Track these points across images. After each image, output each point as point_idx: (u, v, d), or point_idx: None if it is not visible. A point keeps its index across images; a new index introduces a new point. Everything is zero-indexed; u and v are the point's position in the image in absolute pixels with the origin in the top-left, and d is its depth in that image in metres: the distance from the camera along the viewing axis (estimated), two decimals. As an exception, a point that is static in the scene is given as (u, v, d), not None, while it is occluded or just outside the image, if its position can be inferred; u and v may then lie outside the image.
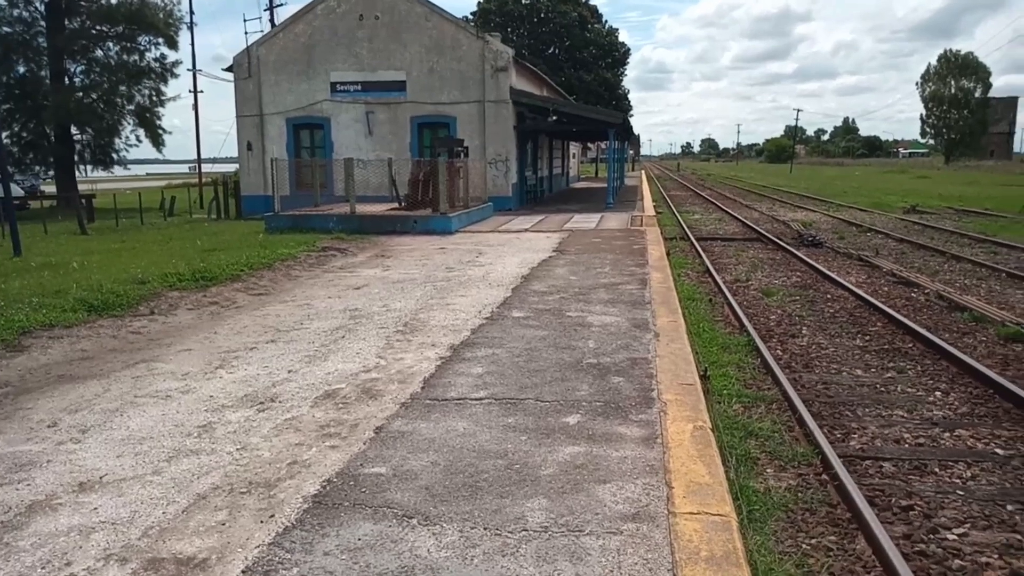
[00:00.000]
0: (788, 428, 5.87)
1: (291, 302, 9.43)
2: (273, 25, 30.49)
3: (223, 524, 3.54)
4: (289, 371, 6.20)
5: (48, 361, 6.93)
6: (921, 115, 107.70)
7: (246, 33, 32.52)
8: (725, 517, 3.49)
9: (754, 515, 4.24)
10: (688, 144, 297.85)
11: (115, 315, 8.62)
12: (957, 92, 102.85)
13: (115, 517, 3.66)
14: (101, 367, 6.64)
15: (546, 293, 9.41)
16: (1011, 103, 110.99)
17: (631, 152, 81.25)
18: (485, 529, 3.41)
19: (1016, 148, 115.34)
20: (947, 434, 5.80)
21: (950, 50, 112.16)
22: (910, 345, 8.43)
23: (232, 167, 29.56)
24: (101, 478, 4.15)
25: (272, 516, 3.60)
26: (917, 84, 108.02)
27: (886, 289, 11.93)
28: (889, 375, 7.40)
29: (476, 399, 5.21)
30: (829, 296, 11.36)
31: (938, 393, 6.79)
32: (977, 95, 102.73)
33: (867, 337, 8.87)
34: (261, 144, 24.53)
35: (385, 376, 5.87)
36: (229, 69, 24.90)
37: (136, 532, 3.50)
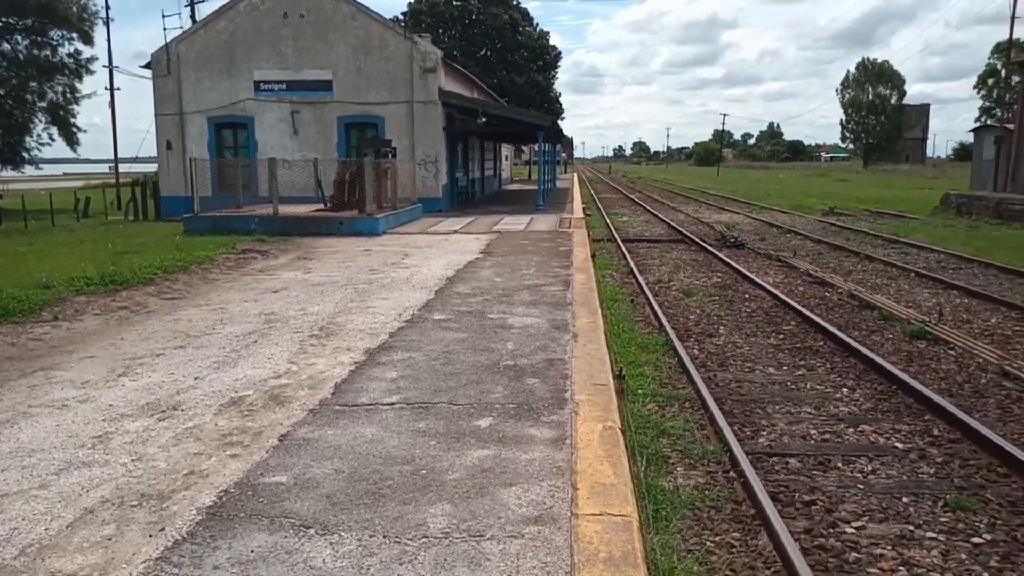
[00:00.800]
0: (700, 426, 5.96)
1: (205, 306, 9.13)
2: (194, 21, 29.57)
3: (109, 539, 3.37)
4: (196, 378, 5.99)
5: (-65, 371, 6.52)
6: (841, 120, 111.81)
7: (164, 29, 31.64)
8: (627, 517, 3.50)
9: (660, 514, 4.28)
10: (620, 147, 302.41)
11: (15, 321, 8.19)
12: (874, 99, 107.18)
13: (-10, 536, 3.44)
14: (-6, 376, 6.28)
15: (469, 295, 9.36)
16: (924, 110, 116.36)
17: (563, 155, 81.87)
18: (384, 537, 3.33)
19: (929, 153, 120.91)
20: (851, 430, 5.99)
21: (867, 58, 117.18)
22: (821, 343, 8.69)
23: (153, 167, 28.56)
24: (-20, 495, 3.91)
25: (162, 529, 3.45)
26: (837, 91, 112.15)
27: (801, 289, 12.30)
28: (800, 373, 7.60)
29: (388, 404, 5.12)
30: (747, 296, 11.64)
31: (845, 390, 7.01)
32: (893, 102, 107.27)
33: (781, 336, 9.11)
34: (182, 143, 23.78)
35: (295, 382, 5.72)
36: (148, 66, 24.06)
37: (12, 551, 3.30)
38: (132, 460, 4.34)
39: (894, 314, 10.04)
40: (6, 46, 30.07)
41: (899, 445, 5.66)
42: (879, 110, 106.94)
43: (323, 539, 3.32)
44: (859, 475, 5.18)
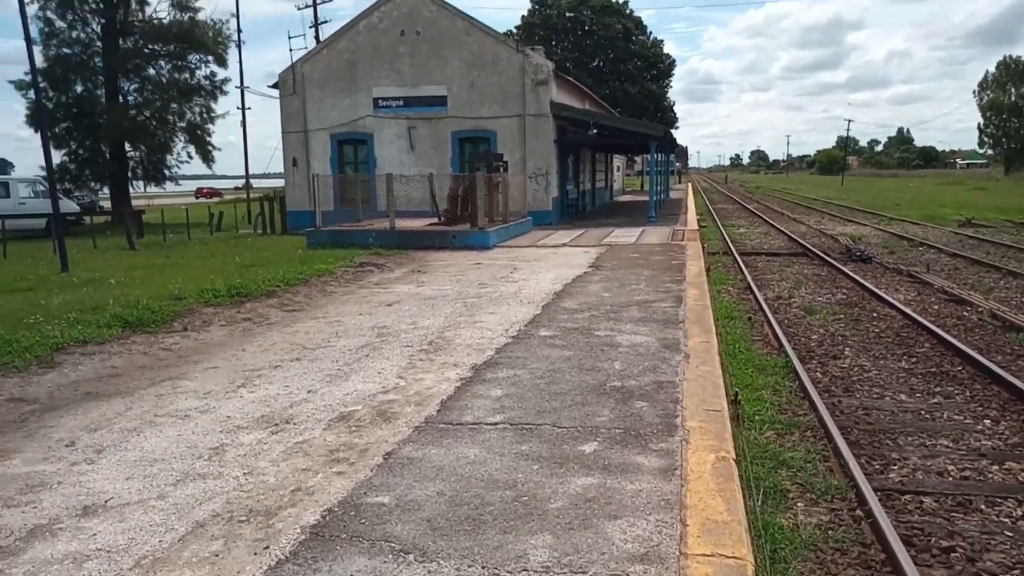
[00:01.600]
0: (823, 458, 5.58)
1: (322, 319, 9.42)
2: (318, 42, 30.95)
3: (216, 555, 3.45)
4: (309, 391, 6.14)
5: (77, 378, 6.99)
6: (979, 124, 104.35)
7: (291, 50, 33.31)
8: (740, 560, 3.27)
9: (778, 555, 3.99)
10: (737, 156, 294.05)
11: (148, 331, 8.70)
12: (1018, 100, 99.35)
13: (112, 544, 3.59)
14: (127, 384, 6.67)
15: (576, 311, 9.22)
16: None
17: (678, 164, 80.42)
18: (483, 568, 3.24)
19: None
20: (996, 467, 5.44)
21: (1010, 56, 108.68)
22: (959, 368, 8.01)
23: (281, 182, 30.09)
24: (106, 502, 4.10)
25: (267, 548, 3.49)
26: (974, 93, 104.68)
27: (936, 307, 11.44)
28: (935, 401, 7.02)
29: (491, 424, 5.05)
30: (875, 315, 10.93)
31: (987, 421, 6.41)
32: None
33: (913, 359, 8.47)
34: (306, 160, 24.87)
35: (403, 398, 5.75)
36: (275, 86, 25.33)
37: (129, 562, 3.42)
38: (244, 474, 4.45)
39: (1045, 337, 9.16)
40: (151, 71, 32.51)
41: (1054, 487, 5.09)
42: (1023, 112, 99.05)
43: (421, 566, 3.27)
44: (1006, 520, 4.68)
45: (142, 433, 5.28)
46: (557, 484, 4.08)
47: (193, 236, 24.76)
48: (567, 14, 60.48)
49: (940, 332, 9.25)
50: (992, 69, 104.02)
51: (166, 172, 34.22)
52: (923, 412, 6.69)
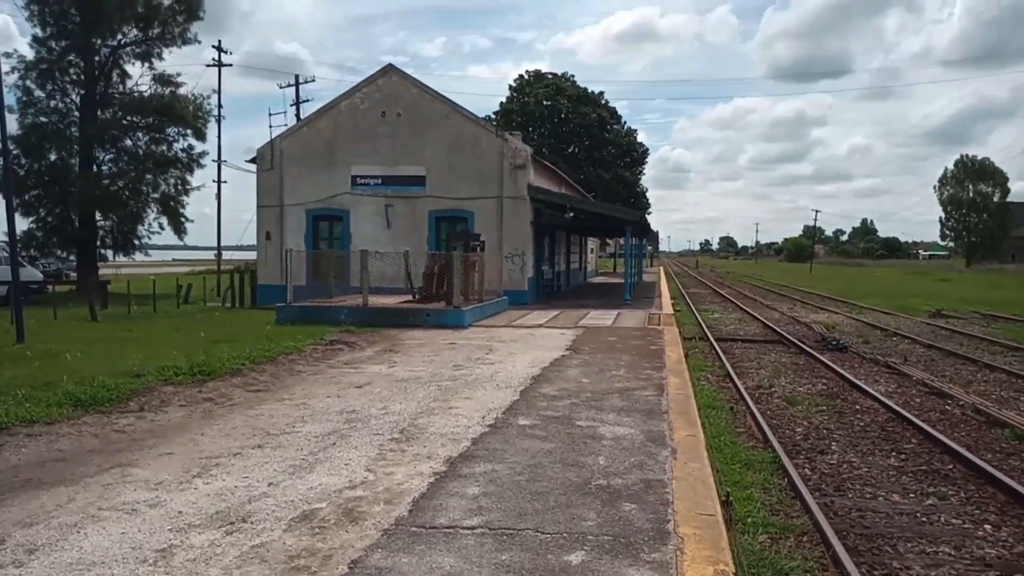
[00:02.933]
0: (822, 567, 5.21)
1: (288, 401, 8.96)
2: (298, 120, 31.20)
3: None
4: (270, 484, 5.68)
5: (19, 462, 6.47)
6: (940, 218, 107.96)
7: (270, 127, 33.47)
8: None
9: None
10: (707, 241, 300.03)
11: (102, 411, 8.19)
12: (975, 196, 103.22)
13: (29, 674, 3.10)
14: (73, 471, 6.16)
15: (556, 398, 8.88)
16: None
17: (650, 248, 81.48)
18: None
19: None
20: (1004, 580, 5.11)
21: (966, 155, 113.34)
22: (950, 466, 7.75)
23: (254, 255, 29.73)
24: (30, 617, 3.61)
25: None
26: (935, 188, 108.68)
27: (918, 400, 11.26)
28: (930, 502, 6.72)
29: (468, 528, 4.64)
30: (858, 407, 10.70)
31: (988, 526, 6.11)
32: (996, 199, 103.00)
33: (902, 456, 8.20)
34: (280, 234, 24.63)
35: (371, 494, 5.32)
36: (253, 160, 25.29)
37: None
38: (192, 582, 3.99)
39: (1032, 434, 8.96)
40: (128, 142, 32.37)
41: (1068, 605, 4.77)
42: (981, 208, 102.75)
43: None
44: (1024, 643, 4.33)
45: (83, 530, 4.78)
46: (543, 602, 3.68)
47: (159, 308, 24.14)
48: (544, 102, 62.08)
49: (927, 427, 9.03)
50: (951, 166, 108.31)
51: (136, 242, 33.66)
52: (919, 515, 6.37)
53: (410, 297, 19.22)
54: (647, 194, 71.56)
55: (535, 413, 8.01)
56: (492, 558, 4.20)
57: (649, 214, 67.28)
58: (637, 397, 8.98)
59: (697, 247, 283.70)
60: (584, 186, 48.37)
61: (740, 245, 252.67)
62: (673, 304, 25.94)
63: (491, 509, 4.98)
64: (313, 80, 76.38)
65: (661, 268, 70.95)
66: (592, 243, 52.83)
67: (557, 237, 31.07)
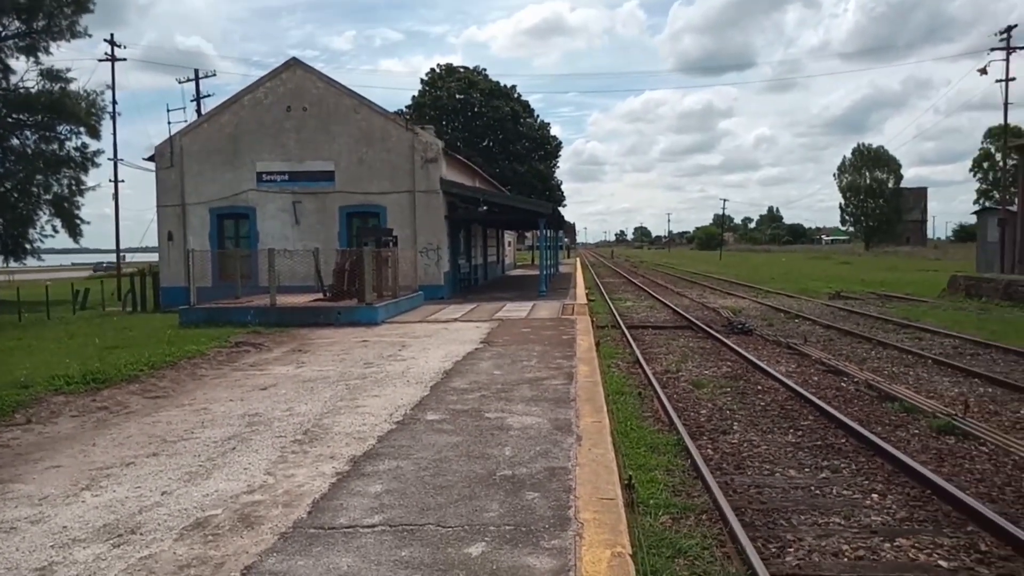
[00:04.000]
0: (720, 543, 5.37)
1: (188, 406, 8.63)
2: (199, 116, 30.06)
3: None
4: (163, 493, 5.45)
5: None
6: (840, 204, 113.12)
7: (169, 123, 31.91)
8: None
9: (680, 663, 3.67)
10: (622, 232, 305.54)
11: (-16, 425, 7.70)
12: (872, 183, 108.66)
13: None
14: (-53, 491, 5.76)
15: (467, 391, 8.85)
16: (922, 192, 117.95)
17: (566, 240, 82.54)
18: None
19: (929, 234, 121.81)
20: (887, 544, 5.38)
21: (862, 144, 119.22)
22: (843, 441, 8.12)
23: (156, 257, 28.50)
24: None
25: None
26: (835, 175, 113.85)
27: (816, 379, 11.76)
28: (824, 475, 7.02)
29: (368, 526, 4.57)
30: (760, 387, 11.09)
31: (875, 496, 6.42)
32: (890, 185, 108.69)
33: (800, 432, 8.54)
34: (183, 234, 23.73)
35: (270, 498, 5.17)
36: (151, 159, 24.26)
37: None
38: (72, 600, 3.78)
39: (917, 406, 9.48)
40: (15, 141, 30.52)
41: (944, 564, 5.05)
42: (877, 194, 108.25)
43: None
44: (903, 603, 4.56)
45: (-48, 554, 4.47)
46: (439, 596, 3.65)
47: (54, 315, 22.92)
48: (457, 96, 61.86)
49: (822, 404, 9.43)
50: (848, 155, 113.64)
51: (28, 246, 31.82)
52: (813, 488, 6.64)
53: (321, 295, 18.84)
54: (562, 187, 72.31)
55: (444, 408, 7.97)
56: (391, 555, 4.14)
57: (564, 206, 68.09)
58: (547, 386, 9.05)
59: (613, 238, 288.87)
60: (499, 179, 48.46)
61: (654, 235, 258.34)
62: (588, 294, 26.30)
63: (393, 506, 4.91)
64: (215, 74, 73.57)
65: (578, 259, 71.85)
66: (509, 236, 53.03)
67: (473, 231, 31.03)
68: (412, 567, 3.99)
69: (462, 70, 64.25)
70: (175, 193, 23.67)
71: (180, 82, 36.80)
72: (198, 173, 23.59)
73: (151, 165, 24.40)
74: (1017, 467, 7.17)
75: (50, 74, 30.54)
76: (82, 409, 8.64)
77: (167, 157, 23.67)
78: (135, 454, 6.60)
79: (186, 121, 30.76)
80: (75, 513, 5.12)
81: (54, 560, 4.32)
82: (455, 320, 17.27)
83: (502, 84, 64.47)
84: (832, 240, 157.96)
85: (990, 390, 10.74)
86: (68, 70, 33.96)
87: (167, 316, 19.58)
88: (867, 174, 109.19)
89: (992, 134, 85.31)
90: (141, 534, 4.66)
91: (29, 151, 30.75)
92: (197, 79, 36.91)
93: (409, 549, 4.22)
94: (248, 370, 11.04)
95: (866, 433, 8.00)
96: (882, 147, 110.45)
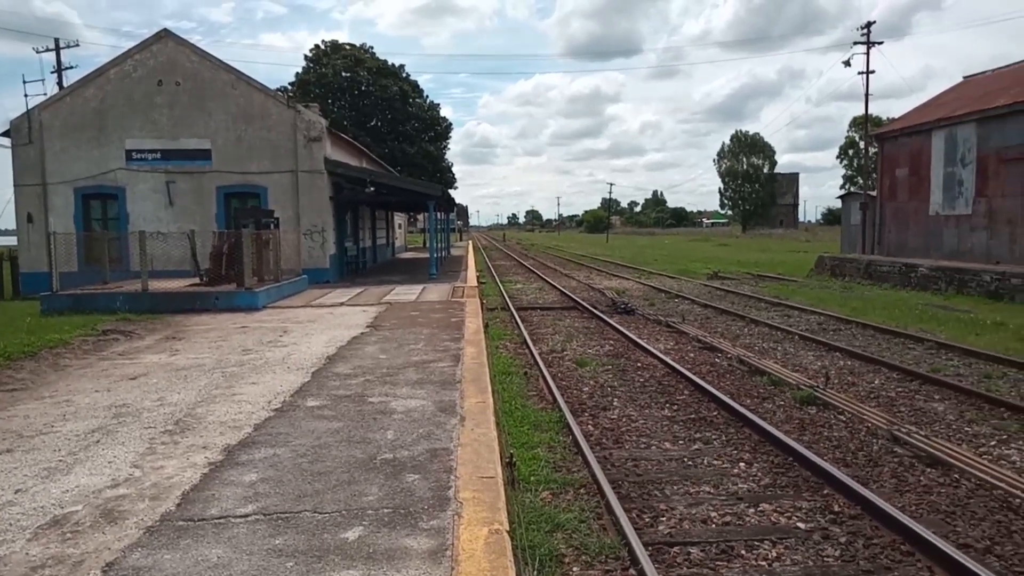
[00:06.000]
0: (597, 516, 5.54)
1: (49, 399, 8.09)
2: (61, 89, 27.99)
3: None
4: (17, 491, 5.09)
5: None
6: (719, 188, 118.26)
7: (26, 96, 29.42)
8: (513, 652, 2.99)
9: (554, 633, 3.77)
10: (514, 215, 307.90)
11: None
12: (748, 168, 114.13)
13: None
14: None
15: (350, 376, 8.72)
16: (794, 178, 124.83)
17: (458, 223, 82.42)
18: None
19: (800, 217, 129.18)
20: (752, 510, 5.71)
21: (740, 131, 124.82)
22: (715, 413, 8.53)
23: (14, 240, 26.42)
24: None
25: None
26: (714, 160, 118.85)
27: (692, 355, 12.28)
28: (696, 447, 7.36)
29: (241, 516, 4.43)
30: (640, 364, 11.48)
31: (742, 464, 6.79)
32: (765, 171, 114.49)
33: (675, 407, 8.91)
34: (44, 216, 22.12)
35: (135, 492, 4.93)
36: (7, 134, 22.43)
37: None
38: (-94, 611, 3.49)
39: (783, 379, 10.07)
40: None
41: (801, 525, 5.41)
42: (753, 179, 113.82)
43: None
44: (763, 563, 4.86)
45: None
46: (313, 583, 3.59)
47: None
48: (343, 74, 60.34)
49: (696, 379, 9.87)
50: (727, 141, 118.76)
51: None
52: (686, 459, 6.96)
53: (197, 280, 18.03)
54: (453, 169, 72.00)
55: (326, 393, 7.82)
56: (264, 544, 4.04)
57: (456, 189, 67.93)
58: (432, 369, 9.03)
59: (505, 221, 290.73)
60: (388, 160, 47.76)
61: (545, 218, 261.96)
62: (478, 276, 26.39)
63: (268, 495, 4.79)
64: (77, 44, 68.22)
65: (470, 242, 71.90)
66: (400, 218, 52.40)
67: (361, 212, 30.46)
68: (286, 555, 3.90)
69: (348, 47, 62.69)
70: (35, 172, 22.00)
71: (38, 51, 34.20)
72: (61, 150, 22.00)
73: (6, 141, 22.56)
74: (870, 433, 7.74)
75: None
76: (-75, 405, 7.94)
77: (24, 133, 21.95)
78: (-14, 451, 6.13)
79: (45, 94, 28.65)
80: (-87, 517, 4.71)
81: None
82: (341, 304, 16.94)
83: (390, 63, 63.38)
84: (712, 223, 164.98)
85: (849, 363, 11.54)
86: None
87: (27, 303, 18.24)
88: (744, 160, 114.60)
89: (856, 123, 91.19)
90: (-11, 536, 4.34)
91: None
92: (58, 49, 34.40)
93: (283, 537, 4.12)
94: (116, 359, 10.45)
95: (736, 406, 8.44)
96: (758, 134, 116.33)
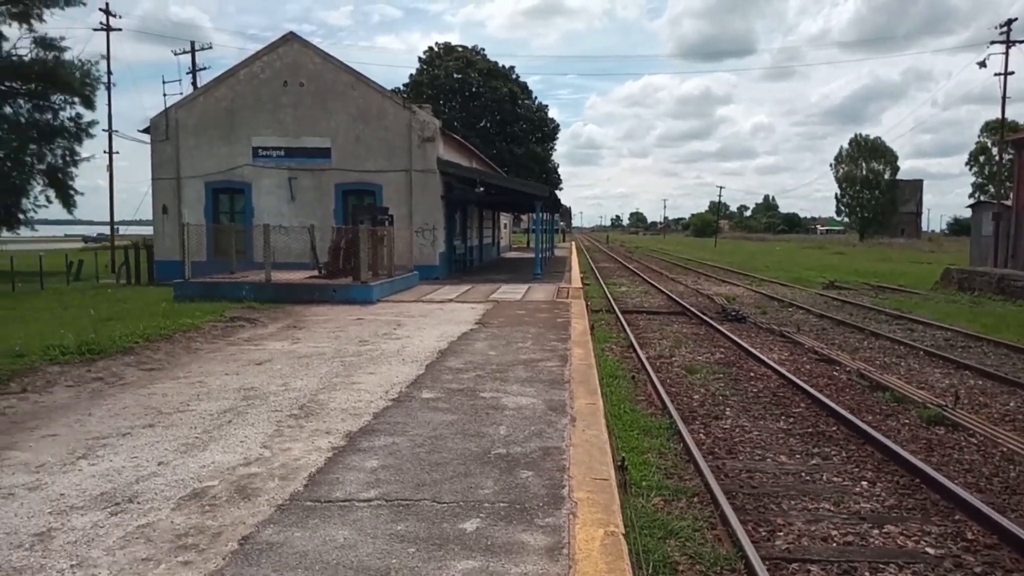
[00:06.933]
0: (711, 525, 5.43)
1: (184, 379, 8.64)
2: (195, 89, 29.81)
3: None
4: (159, 463, 5.47)
5: None
6: (836, 194, 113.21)
7: (164, 95, 31.88)
8: (635, 654, 2.98)
9: (671, 640, 3.73)
10: (618, 217, 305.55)
11: (-22, 393, 7.70)
12: (868, 174, 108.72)
13: None
14: (-57, 457, 5.77)
15: (461, 370, 8.89)
16: (917, 185, 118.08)
17: (562, 224, 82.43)
18: None
19: (924, 227, 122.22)
20: (876, 531, 5.46)
21: (860, 134, 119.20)
22: (834, 428, 8.19)
23: (151, 230, 28.38)
24: None
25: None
26: (831, 165, 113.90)
27: (808, 367, 11.84)
28: (814, 462, 7.10)
29: (364, 500, 4.60)
30: (752, 374, 11.17)
31: (864, 483, 6.50)
32: (886, 177, 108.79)
33: (791, 419, 8.62)
34: (178, 208, 23.61)
35: (266, 471, 5.20)
36: (147, 131, 24.09)
37: None
38: (71, 566, 3.81)
39: (907, 396, 9.57)
40: (8, 109, 30.22)
41: (931, 551, 5.13)
42: (873, 185, 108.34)
43: None
44: (890, 587, 4.64)
45: (-50, 518, 4.49)
46: (435, 570, 3.69)
47: (48, 285, 22.83)
48: (455, 75, 61.46)
49: (814, 392, 9.51)
50: (845, 145, 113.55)
51: (20, 216, 31.62)
52: (804, 474, 6.72)
53: (316, 272, 18.81)
54: (559, 170, 72.15)
55: (439, 386, 8.00)
56: (387, 528, 4.18)
57: (561, 190, 68.00)
58: (541, 368, 9.09)
59: (608, 223, 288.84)
60: (496, 161, 48.33)
61: (649, 221, 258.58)
62: (582, 278, 26.33)
63: (389, 481, 4.95)
64: (211, 47, 72.70)
65: (573, 243, 71.85)
66: (505, 218, 52.96)
67: (469, 212, 30.98)
68: (407, 541, 4.03)
69: (460, 49, 63.82)
70: (171, 166, 23.52)
71: (176, 54, 36.52)
72: (194, 147, 23.44)
73: (146, 137, 24.23)
74: (1005, 458, 7.26)
75: (43, 42, 30.15)
76: (77, 379, 8.63)
77: (162, 130, 23.50)
78: (131, 425, 6.61)
79: (182, 93, 30.55)
80: (72, 481, 5.13)
81: (52, 526, 4.34)
82: (450, 300, 17.29)
83: (500, 64, 64.11)
84: (827, 230, 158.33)
85: (980, 382, 10.84)
86: (62, 39, 33.84)
87: (161, 289, 19.53)
88: (864, 165, 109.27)
89: (989, 128, 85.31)
90: (138, 503, 4.68)
91: (22, 120, 30.43)
92: (193, 52, 36.62)
93: (405, 523, 4.26)
94: (243, 345, 11.04)
95: (857, 421, 8.08)
96: (879, 138, 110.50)
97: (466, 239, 30.26)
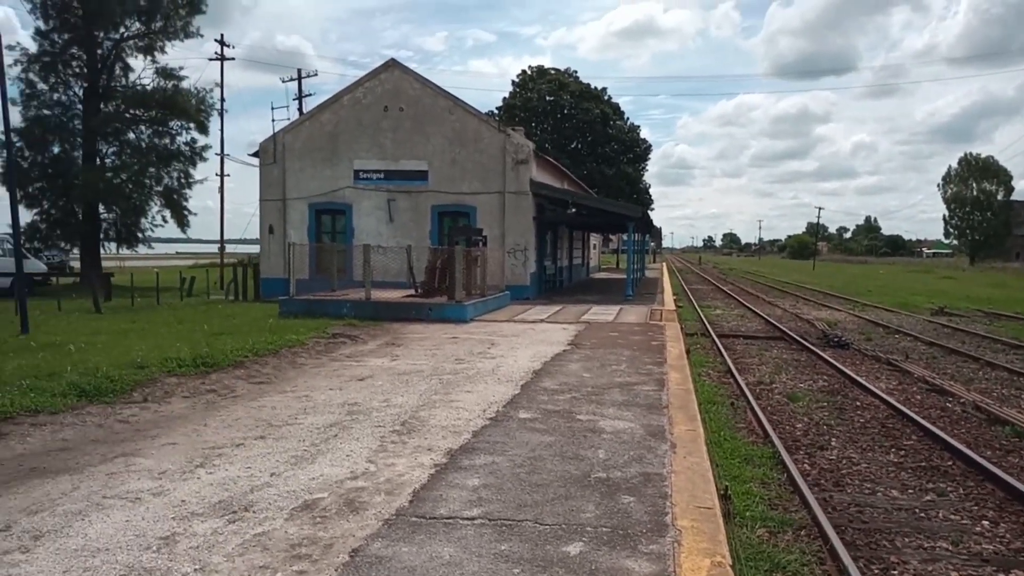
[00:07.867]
0: (819, 560, 5.24)
1: (290, 393, 9.00)
2: (301, 114, 31.21)
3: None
4: (272, 474, 5.72)
5: (24, 451, 6.51)
6: (944, 216, 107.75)
7: (273, 120, 33.70)
8: None
9: (782, 677, 3.62)
10: (710, 238, 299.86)
11: (105, 401, 8.23)
12: (979, 194, 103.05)
13: (34, 657, 3.14)
14: (78, 460, 6.20)
15: (557, 392, 8.91)
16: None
17: (652, 244, 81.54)
18: None
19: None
20: (1001, 575, 5.14)
21: (970, 153, 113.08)
22: (950, 463, 7.77)
23: (256, 248, 29.82)
24: (34, 602, 3.65)
25: (213, 664, 3.07)
26: (939, 185, 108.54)
27: (919, 397, 11.28)
28: (928, 498, 6.75)
29: (468, 519, 4.68)
30: (858, 403, 10.73)
31: (986, 522, 6.13)
32: (999, 198, 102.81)
33: (902, 452, 8.23)
34: (283, 227, 24.67)
35: (372, 485, 5.36)
36: (256, 154, 25.32)
37: None
38: (195, 570, 4.03)
39: (1031, 432, 8.97)
40: (131, 135, 32.39)
41: (1064, 599, 4.79)
42: (985, 206, 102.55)
43: None
44: (1019, 636, 4.36)
45: (87, 517, 4.82)
46: (541, 592, 3.71)
47: (163, 301, 24.20)
48: (547, 98, 62.04)
49: (926, 424, 9.05)
50: (955, 164, 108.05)
51: (139, 235, 33.74)
52: (918, 510, 6.40)
53: (412, 291, 19.27)
54: (650, 190, 71.62)
55: (536, 407, 8.05)
56: (491, 548, 4.23)
57: (652, 210, 67.34)
58: (637, 392, 9.01)
59: (700, 244, 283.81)
60: (587, 182, 48.37)
61: (743, 242, 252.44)
62: (675, 300, 25.95)
63: (491, 500, 5.01)
64: (315, 74, 76.43)
65: (664, 264, 70.93)
66: (595, 239, 52.84)
67: (559, 232, 31.10)
68: (512, 561, 4.07)
69: (553, 72, 64.41)
70: (277, 188, 24.63)
71: (284, 81, 38.36)
72: (299, 169, 24.48)
73: (254, 160, 25.48)
74: None
75: (164, 72, 32.26)
76: (193, 391, 9.11)
77: (271, 153, 24.66)
78: (244, 436, 6.93)
79: (289, 119, 32.04)
80: (192, 488, 5.42)
81: (176, 532, 4.60)
82: (541, 321, 17.36)
83: (592, 86, 64.32)
84: (934, 253, 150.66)
85: (1113, 419, 10.05)
86: (181, 68, 35.95)
87: (267, 306, 20.40)
88: (974, 185, 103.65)
89: (1118, 145, 79.49)
90: (254, 512, 4.90)
91: (143, 145, 32.57)
92: (300, 79, 38.37)
93: (508, 543, 4.30)
94: (345, 360, 11.41)
95: (975, 456, 7.64)
96: (992, 157, 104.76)
97: (556, 259, 30.36)
